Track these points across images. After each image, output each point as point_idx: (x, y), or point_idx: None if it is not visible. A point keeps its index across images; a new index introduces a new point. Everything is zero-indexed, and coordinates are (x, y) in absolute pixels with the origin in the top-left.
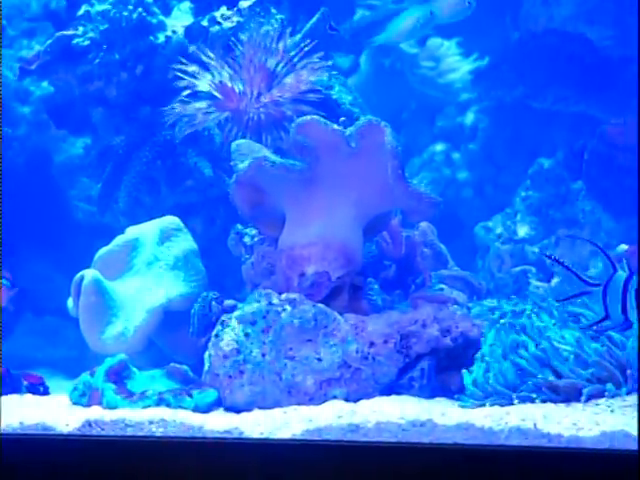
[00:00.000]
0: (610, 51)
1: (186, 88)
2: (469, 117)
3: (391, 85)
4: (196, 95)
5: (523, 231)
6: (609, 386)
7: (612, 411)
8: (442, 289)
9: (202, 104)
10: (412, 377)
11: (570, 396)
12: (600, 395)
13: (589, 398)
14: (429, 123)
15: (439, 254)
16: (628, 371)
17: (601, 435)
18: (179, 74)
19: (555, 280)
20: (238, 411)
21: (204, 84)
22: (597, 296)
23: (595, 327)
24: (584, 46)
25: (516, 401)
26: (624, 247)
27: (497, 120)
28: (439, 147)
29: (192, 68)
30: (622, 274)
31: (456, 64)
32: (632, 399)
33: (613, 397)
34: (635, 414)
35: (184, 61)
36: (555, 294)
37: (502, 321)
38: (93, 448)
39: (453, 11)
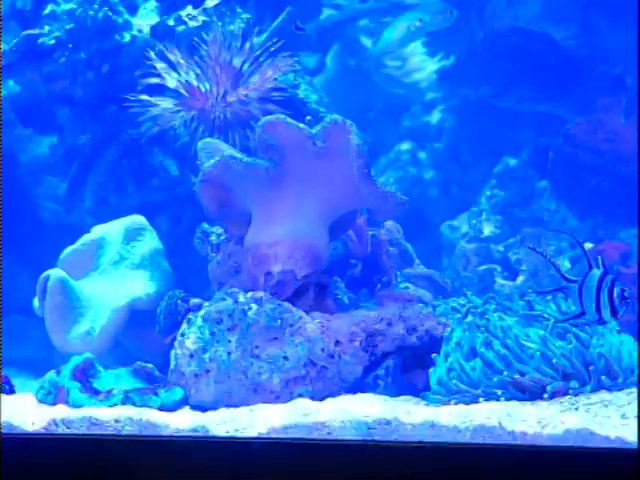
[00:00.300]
0: (575, 50)
1: (152, 87)
2: (435, 116)
3: (357, 84)
4: (162, 94)
5: (488, 230)
6: (573, 384)
7: (576, 409)
8: (408, 288)
9: (168, 103)
10: (378, 375)
11: (535, 394)
12: (564, 393)
13: (553, 395)
14: (395, 122)
15: (405, 253)
16: (591, 367)
17: (565, 433)
18: (146, 72)
19: (520, 279)
20: (204, 410)
21: (170, 83)
22: (574, 292)
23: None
24: (549, 45)
25: (481, 399)
26: (588, 245)
27: (463, 119)
28: (405, 146)
29: (159, 66)
30: (596, 272)
31: (422, 63)
32: (596, 397)
33: (577, 395)
34: (595, 410)
35: (152, 58)
36: (520, 292)
37: (467, 319)
38: (59, 447)
39: (436, 19)
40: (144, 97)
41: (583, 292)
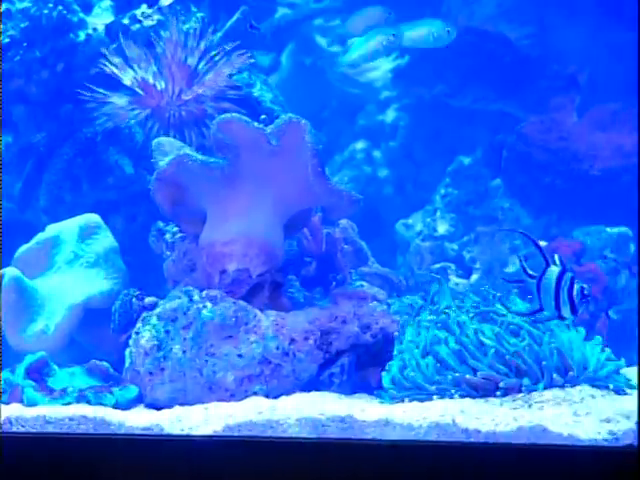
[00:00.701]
0: (529, 50)
1: (108, 84)
2: (390, 115)
3: (312, 83)
4: (118, 92)
5: (443, 228)
6: (526, 381)
7: (530, 406)
8: (362, 286)
9: (123, 101)
10: (332, 373)
11: (488, 391)
12: (518, 390)
13: (506, 393)
14: (350, 121)
15: (359, 251)
16: (543, 362)
17: (518, 430)
18: (101, 70)
19: (474, 277)
20: (159, 408)
21: (126, 81)
22: (532, 288)
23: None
24: (503, 45)
25: (435, 397)
26: (543, 244)
27: (417, 118)
28: (360, 145)
29: (114, 65)
30: (554, 269)
31: (376, 62)
32: (549, 394)
33: (530, 392)
34: (550, 408)
35: (107, 56)
36: (474, 290)
37: (422, 317)
38: (13, 445)
39: (436, 39)
40: (100, 92)
41: (541, 288)
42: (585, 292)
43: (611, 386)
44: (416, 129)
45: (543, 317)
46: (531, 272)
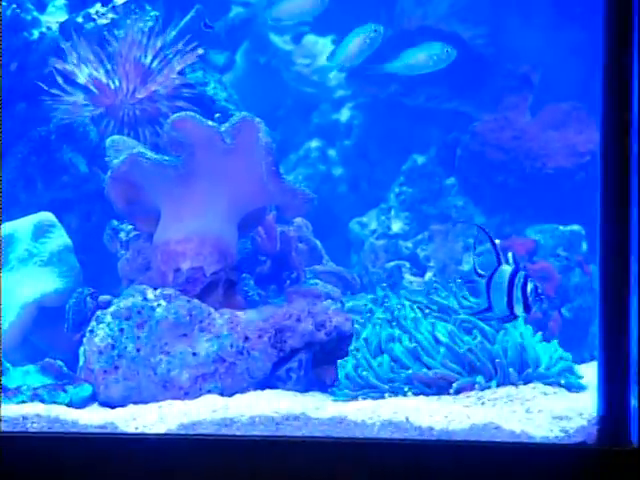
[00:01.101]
0: (482, 49)
1: (62, 83)
2: (344, 114)
3: (267, 82)
4: (72, 90)
5: (397, 226)
6: (479, 378)
7: (483, 403)
8: (317, 284)
9: (78, 99)
10: (290, 368)
11: (442, 389)
12: (471, 388)
13: (460, 390)
14: (305, 120)
15: (314, 249)
16: (497, 360)
17: (471, 427)
18: (55, 68)
19: (429, 274)
20: (113, 406)
21: (80, 79)
22: (482, 287)
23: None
24: (457, 44)
25: (387, 394)
26: (496, 242)
27: (371, 117)
28: (314, 143)
29: (68, 64)
30: (507, 268)
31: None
32: (502, 391)
33: (483, 390)
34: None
35: (62, 54)
36: (429, 288)
37: (376, 315)
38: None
39: (436, 62)
40: (54, 91)
41: (492, 287)
42: (539, 290)
43: (563, 381)
44: (370, 128)
45: (494, 316)
46: (481, 272)
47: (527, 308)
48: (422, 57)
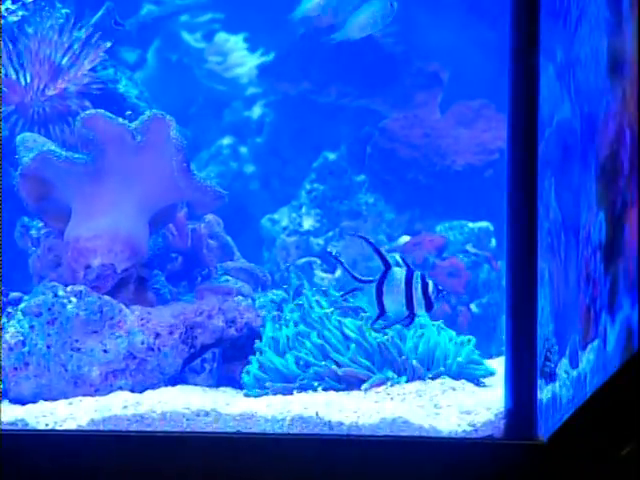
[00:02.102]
0: (392, 47)
1: None
2: (256, 111)
3: (178, 79)
4: None
5: (308, 223)
6: (390, 374)
7: (392, 399)
8: (228, 280)
9: None
10: (204, 359)
11: (351, 384)
12: (381, 383)
13: (370, 387)
14: (216, 117)
15: (225, 246)
16: (403, 357)
17: (381, 422)
18: None
19: (339, 271)
20: (23, 403)
21: None
22: (369, 293)
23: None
24: (367, 42)
25: (295, 392)
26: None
27: (283, 114)
28: (226, 141)
29: None
30: (399, 270)
31: (242, 59)
32: (411, 387)
33: (393, 385)
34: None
35: None
36: (340, 285)
37: (285, 312)
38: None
39: (383, 17)
40: None
41: (385, 291)
42: (440, 287)
43: (471, 376)
44: (282, 125)
45: (390, 321)
46: (360, 276)
47: (430, 307)
48: (366, 17)
